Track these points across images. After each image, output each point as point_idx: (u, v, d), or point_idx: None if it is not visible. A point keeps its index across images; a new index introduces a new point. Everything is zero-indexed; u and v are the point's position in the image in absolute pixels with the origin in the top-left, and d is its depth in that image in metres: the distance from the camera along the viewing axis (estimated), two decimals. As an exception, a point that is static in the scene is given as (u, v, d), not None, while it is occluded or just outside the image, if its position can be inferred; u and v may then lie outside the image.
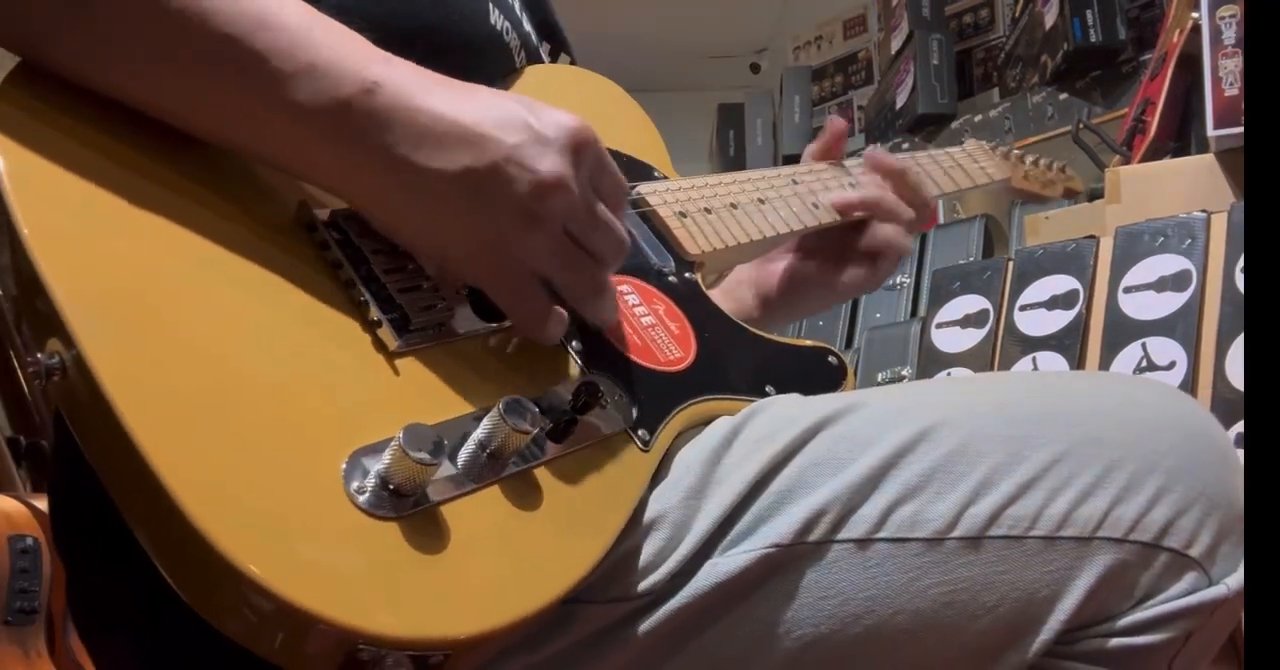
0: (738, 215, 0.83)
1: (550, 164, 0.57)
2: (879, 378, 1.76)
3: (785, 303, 0.95)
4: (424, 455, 0.49)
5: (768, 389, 0.71)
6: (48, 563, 1.55)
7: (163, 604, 0.49)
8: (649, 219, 0.78)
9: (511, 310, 0.60)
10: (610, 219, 0.61)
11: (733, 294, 0.96)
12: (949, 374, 1.52)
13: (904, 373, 1.68)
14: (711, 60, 4.08)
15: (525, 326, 0.60)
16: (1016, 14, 2.56)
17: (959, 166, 1.06)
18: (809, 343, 0.78)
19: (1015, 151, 1.13)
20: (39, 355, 0.49)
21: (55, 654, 1.55)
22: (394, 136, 0.55)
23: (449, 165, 0.56)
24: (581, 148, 0.58)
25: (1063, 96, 2.32)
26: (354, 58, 0.56)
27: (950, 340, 1.54)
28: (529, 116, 0.57)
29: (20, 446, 1.93)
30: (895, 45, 2.91)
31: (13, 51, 0.56)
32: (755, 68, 4.15)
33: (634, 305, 0.70)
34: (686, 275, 0.76)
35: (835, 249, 0.93)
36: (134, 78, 0.55)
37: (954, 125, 2.66)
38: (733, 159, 3.65)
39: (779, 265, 0.96)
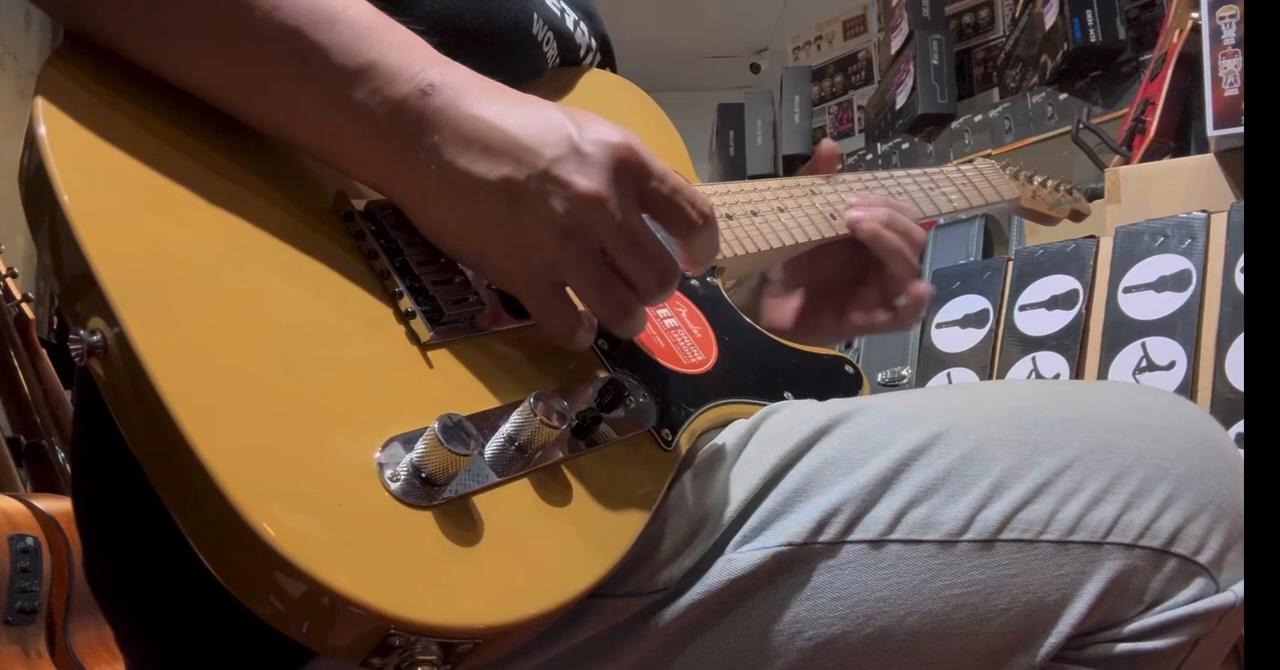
0: (758, 223, 0.84)
1: (587, 180, 0.56)
2: (879, 377, 1.76)
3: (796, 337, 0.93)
4: (458, 445, 0.49)
5: (786, 394, 0.72)
6: (48, 563, 1.55)
7: (187, 581, 0.49)
8: None
9: (539, 319, 0.60)
10: (654, 247, 0.59)
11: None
12: (949, 374, 1.52)
13: (904, 373, 1.68)
14: (711, 60, 4.09)
15: (552, 335, 0.61)
16: (1016, 14, 2.56)
17: (970, 183, 1.07)
18: (827, 351, 0.79)
19: (1024, 172, 1.14)
20: (81, 333, 0.49)
21: (55, 654, 1.55)
22: (441, 138, 0.56)
23: (489, 173, 0.56)
24: (624, 165, 0.57)
25: (1062, 96, 2.32)
26: (413, 59, 0.56)
27: (950, 340, 1.54)
28: (572, 130, 0.57)
29: (20, 446, 1.93)
30: (895, 45, 2.91)
31: (65, 24, 0.56)
32: (755, 68, 4.16)
33: (657, 307, 0.71)
34: (708, 279, 0.77)
35: (846, 293, 0.91)
36: (193, 63, 0.55)
37: (954, 125, 2.66)
38: (733, 159, 3.64)
39: (791, 304, 0.93)
